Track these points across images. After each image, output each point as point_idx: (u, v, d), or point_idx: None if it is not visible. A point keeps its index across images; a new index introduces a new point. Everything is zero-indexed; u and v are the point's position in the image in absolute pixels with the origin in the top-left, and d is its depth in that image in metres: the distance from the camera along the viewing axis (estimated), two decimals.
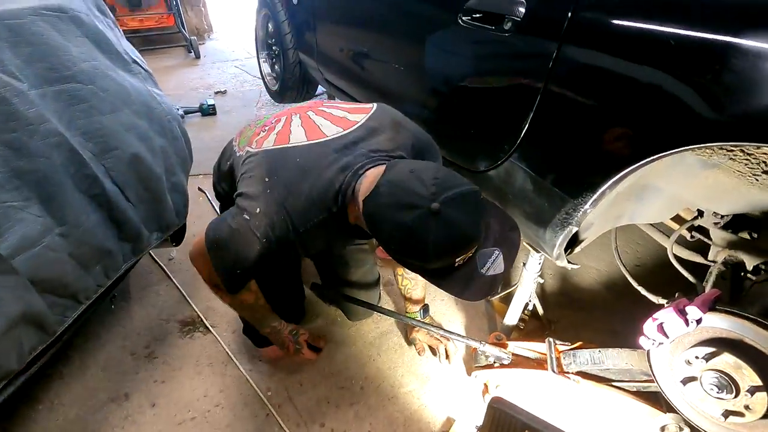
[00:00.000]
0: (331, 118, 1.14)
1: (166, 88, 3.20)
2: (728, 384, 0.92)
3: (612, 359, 1.30)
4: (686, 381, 1.00)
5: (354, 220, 1.03)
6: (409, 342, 1.59)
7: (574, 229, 1.11)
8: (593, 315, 1.73)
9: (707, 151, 1.05)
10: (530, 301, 1.62)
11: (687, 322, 0.99)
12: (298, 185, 1.00)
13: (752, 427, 0.95)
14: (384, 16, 1.74)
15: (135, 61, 1.42)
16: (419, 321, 1.46)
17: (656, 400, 1.35)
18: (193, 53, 4.70)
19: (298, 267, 1.58)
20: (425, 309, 1.57)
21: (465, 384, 1.48)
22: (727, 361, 0.92)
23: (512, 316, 1.62)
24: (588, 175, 1.05)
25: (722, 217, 1.23)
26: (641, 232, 1.66)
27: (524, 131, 1.16)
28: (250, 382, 1.46)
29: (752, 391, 0.89)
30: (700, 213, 1.26)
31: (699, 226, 1.29)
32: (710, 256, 1.31)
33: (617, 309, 1.75)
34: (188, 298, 1.73)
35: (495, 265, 0.87)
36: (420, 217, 0.78)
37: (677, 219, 1.50)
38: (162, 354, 1.55)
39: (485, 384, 1.45)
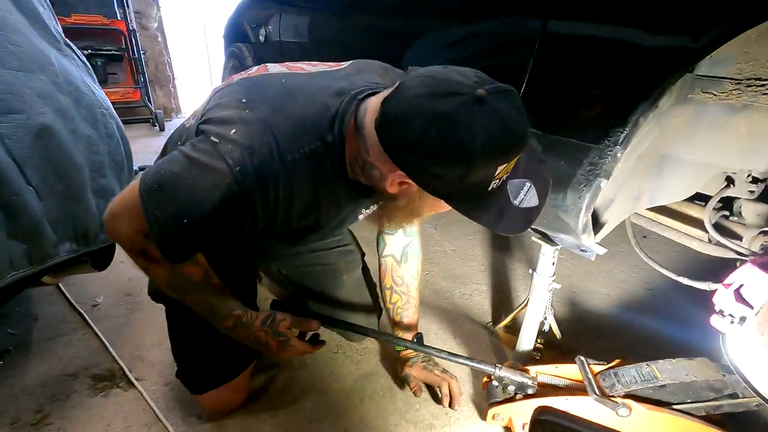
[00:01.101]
0: (311, 66, 0.95)
1: None
2: None
3: (668, 372, 1.01)
4: None
5: (352, 166, 0.81)
6: (402, 381, 1.22)
7: (603, 182, 0.90)
8: (615, 342, 1.44)
9: (735, 91, 0.93)
10: (545, 319, 1.33)
11: None
12: (286, 104, 0.77)
13: None
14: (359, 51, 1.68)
15: (69, 47, 1.22)
16: (418, 345, 1.13)
17: (731, 425, 1.04)
18: (157, 126, 4.62)
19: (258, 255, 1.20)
20: (419, 339, 1.24)
21: (482, 430, 1.11)
22: None
23: (527, 341, 1.31)
24: (607, 113, 0.88)
25: (758, 183, 1.07)
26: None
27: (524, 83, 1.00)
28: None
29: None
30: (730, 182, 1.10)
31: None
32: (745, 242, 1.12)
33: (640, 333, 1.48)
34: (109, 347, 1.32)
35: (528, 197, 0.75)
36: (464, 104, 0.62)
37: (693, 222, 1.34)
38: (59, 418, 1.10)
39: (509, 425, 1.09)
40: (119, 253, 1.08)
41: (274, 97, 0.79)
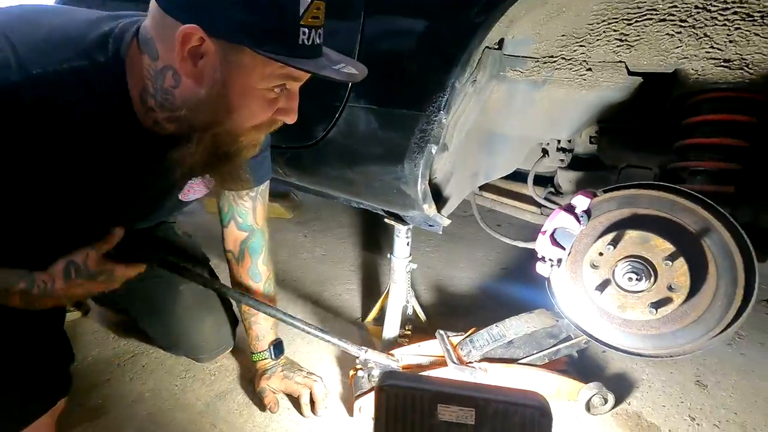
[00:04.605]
0: None
1: None
2: (643, 267, 0.76)
3: (513, 328, 1.07)
4: (602, 287, 0.81)
5: (144, 103, 0.68)
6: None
7: (434, 148, 0.92)
8: (479, 317, 1.50)
9: (536, 68, 1.05)
10: (408, 303, 1.32)
11: (578, 219, 0.83)
12: (33, 20, 0.63)
13: (683, 315, 0.79)
14: None
15: None
16: (287, 315, 1.00)
17: (575, 371, 1.13)
18: None
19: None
20: (276, 346, 1.12)
21: (350, 427, 1.03)
22: (633, 239, 0.77)
23: (392, 327, 1.28)
24: (428, 81, 0.92)
25: (566, 152, 1.22)
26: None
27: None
28: None
29: (670, 259, 0.74)
30: (545, 153, 1.23)
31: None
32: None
33: (498, 305, 1.58)
34: None
35: (347, 69, 0.70)
36: None
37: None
38: None
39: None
40: None
41: (17, 15, 0.64)
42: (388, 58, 1.00)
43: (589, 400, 1.05)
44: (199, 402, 1.09)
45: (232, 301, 1.17)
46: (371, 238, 2.16)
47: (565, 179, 1.27)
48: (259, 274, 1.10)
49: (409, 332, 1.36)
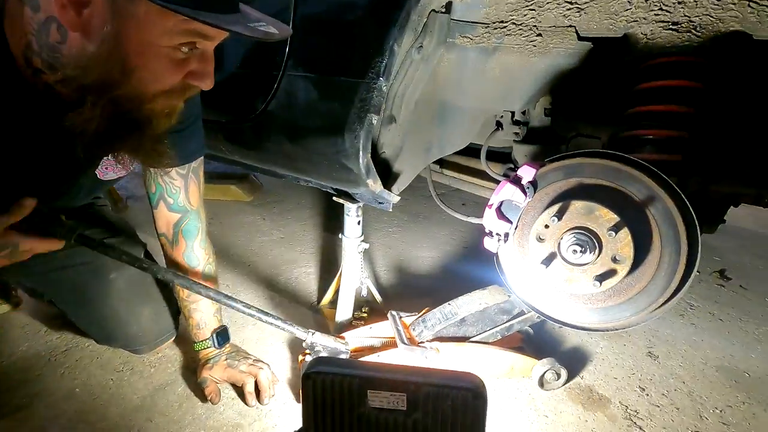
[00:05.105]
0: None
1: None
2: (588, 238, 0.73)
3: (465, 306, 1.03)
4: (548, 261, 0.78)
5: (28, 60, 0.59)
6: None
7: (375, 118, 0.86)
8: (438, 296, 1.48)
9: (486, 34, 1.00)
10: (362, 284, 1.28)
11: (524, 190, 0.80)
12: None
13: (628, 287, 0.76)
14: None
15: None
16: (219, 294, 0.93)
17: (531, 347, 1.12)
18: None
19: None
20: (220, 333, 1.06)
21: (298, 414, 0.99)
22: (578, 210, 0.74)
23: (345, 309, 1.24)
24: (365, 45, 0.85)
25: (520, 125, 1.18)
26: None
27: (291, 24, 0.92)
28: None
29: (614, 230, 0.71)
30: (499, 126, 1.19)
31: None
32: None
33: (458, 283, 1.55)
34: None
35: (265, 27, 0.63)
36: None
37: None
38: None
39: None
40: None
41: None
42: (324, 22, 0.93)
43: (543, 375, 1.04)
44: (135, 396, 1.02)
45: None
46: (334, 220, 2.09)
47: (521, 153, 1.24)
48: (196, 258, 1.03)
49: (365, 314, 1.32)
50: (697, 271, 1.75)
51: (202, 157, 0.99)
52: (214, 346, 1.05)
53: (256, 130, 1.10)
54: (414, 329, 1.05)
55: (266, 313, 0.95)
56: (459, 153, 1.33)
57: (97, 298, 1.03)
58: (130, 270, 1.07)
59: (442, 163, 1.68)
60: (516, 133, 1.18)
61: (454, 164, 1.65)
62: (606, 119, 1.04)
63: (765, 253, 1.90)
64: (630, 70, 0.92)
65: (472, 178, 1.59)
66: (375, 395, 0.56)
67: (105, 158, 0.82)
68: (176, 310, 1.14)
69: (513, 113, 1.17)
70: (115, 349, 1.14)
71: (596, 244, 0.72)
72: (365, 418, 0.57)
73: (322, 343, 0.97)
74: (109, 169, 0.86)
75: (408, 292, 1.52)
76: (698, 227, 0.68)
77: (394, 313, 1.09)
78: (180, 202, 0.97)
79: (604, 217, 0.72)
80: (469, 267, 1.70)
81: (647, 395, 1.06)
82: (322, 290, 1.49)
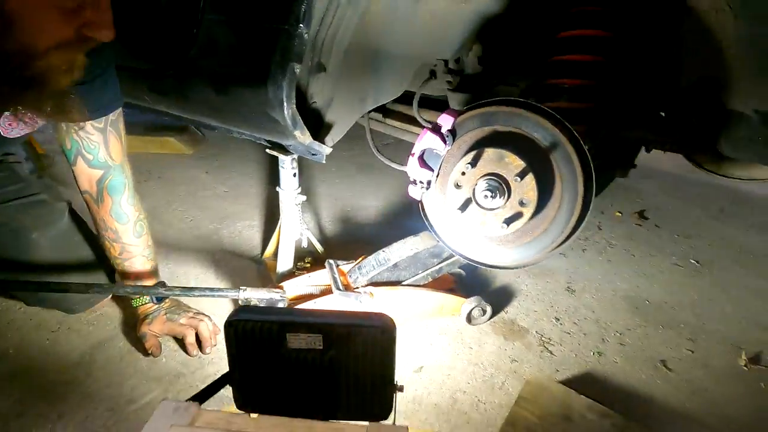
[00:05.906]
0: None
1: None
2: (499, 184, 0.78)
3: (397, 252, 1.08)
4: (464, 206, 0.83)
5: None
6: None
7: (297, 67, 0.84)
8: (381, 245, 1.53)
9: None
10: (302, 235, 1.30)
11: (444, 139, 0.82)
12: None
13: (533, 229, 0.84)
14: None
15: None
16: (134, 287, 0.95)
17: (463, 288, 1.20)
18: None
19: None
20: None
21: None
22: (490, 157, 0.78)
23: (285, 260, 1.27)
24: None
25: (453, 73, 1.18)
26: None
27: None
28: None
29: (520, 176, 0.76)
30: (433, 75, 1.19)
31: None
32: None
33: (399, 231, 1.62)
34: None
35: None
36: None
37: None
38: None
39: None
40: None
41: None
42: None
43: (470, 312, 1.13)
44: (74, 353, 1.02)
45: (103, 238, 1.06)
46: (277, 172, 2.06)
47: (455, 101, 1.25)
48: (125, 215, 1.00)
49: (308, 264, 1.35)
50: (619, 212, 1.87)
51: (119, 109, 0.94)
52: (152, 302, 1.06)
53: (179, 79, 1.04)
54: (350, 276, 1.10)
55: (188, 288, 0.97)
56: (403, 102, 1.33)
57: (18, 257, 1.00)
58: (53, 228, 1.03)
59: (385, 112, 1.67)
60: (449, 82, 1.19)
61: (398, 113, 1.65)
62: (531, 69, 1.06)
63: (682, 194, 2.08)
64: (552, 18, 0.94)
65: (416, 127, 1.60)
66: (294, 337, 0.60)
67: (4, 114, 0.77)
68: (110, 270, 1.12)
69: (446, 62, 1.17)
70: (50, 309, 1.12)
71: (505, 189, 0.77)
72: (285, 358, 0.62)
73: (257, 297, 1.00)
74: (13, 125, 0.80)
75: (351, 242, 1.56)
76: (593, 169, 0.74)
77: (331, 261, 1.13)
78: (101, 157, 0.93)
79: (513, 164, 0.76)
80: (413, 216, 1.76)
81: (561, 324, 1.19)
82: (265, 242, 1.50)
